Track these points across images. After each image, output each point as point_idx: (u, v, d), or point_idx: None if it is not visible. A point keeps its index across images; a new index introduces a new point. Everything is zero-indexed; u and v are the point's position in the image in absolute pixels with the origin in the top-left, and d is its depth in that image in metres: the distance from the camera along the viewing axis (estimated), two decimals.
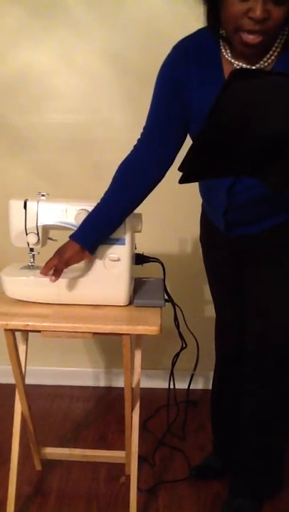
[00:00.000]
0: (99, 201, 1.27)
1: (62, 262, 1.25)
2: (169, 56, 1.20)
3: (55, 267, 1.26)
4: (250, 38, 1.00)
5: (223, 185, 1.22)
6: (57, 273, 1.26)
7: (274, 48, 1.08)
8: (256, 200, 1.21)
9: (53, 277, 1.26)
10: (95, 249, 1.28)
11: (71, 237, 1.27)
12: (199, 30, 1.16)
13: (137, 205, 1.28)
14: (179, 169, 0.99)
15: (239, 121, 0.88)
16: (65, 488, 1.60)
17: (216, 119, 0.87)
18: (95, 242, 1.27)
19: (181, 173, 1.00)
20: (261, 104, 0.85)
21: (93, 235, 1.26)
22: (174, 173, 1.94)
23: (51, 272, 1.27)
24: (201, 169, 1.02)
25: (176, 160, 1.80)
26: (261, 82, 0.82)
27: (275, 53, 1.09)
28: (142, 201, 1.28)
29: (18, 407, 1.44)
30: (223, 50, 1.13)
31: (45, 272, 1.28)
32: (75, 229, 1.27)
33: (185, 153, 0.96)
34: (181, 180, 1.01)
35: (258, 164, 1.00)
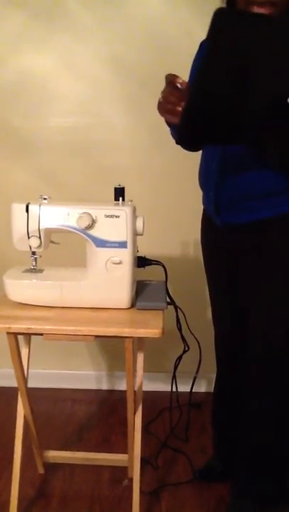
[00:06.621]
0: None
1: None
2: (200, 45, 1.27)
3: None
4: (261, 10, 1.01)
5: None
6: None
7: None
8: (247, 160, 1.19)
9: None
10: None
11: None
12: None
13: None
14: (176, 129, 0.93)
15: (235, 71, 0.83)
16: (68, 491, 1.60)
17: (210, 66, 0.83)
18: None
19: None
20: (255, 50, 0.80)
21: None
22: (175, 176, 1.94)
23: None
24: (200, 130, 0.96)
25: (174, 161, 1.79)
26: (250, 25, 0.79)
27: None
28: None
29: (21, 410, 1.45)
30: None
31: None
32: (78, 232, 1.27)
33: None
34: (180, 140, 0.98)
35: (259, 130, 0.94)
